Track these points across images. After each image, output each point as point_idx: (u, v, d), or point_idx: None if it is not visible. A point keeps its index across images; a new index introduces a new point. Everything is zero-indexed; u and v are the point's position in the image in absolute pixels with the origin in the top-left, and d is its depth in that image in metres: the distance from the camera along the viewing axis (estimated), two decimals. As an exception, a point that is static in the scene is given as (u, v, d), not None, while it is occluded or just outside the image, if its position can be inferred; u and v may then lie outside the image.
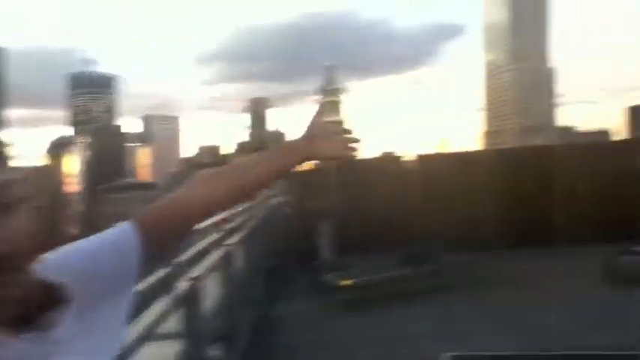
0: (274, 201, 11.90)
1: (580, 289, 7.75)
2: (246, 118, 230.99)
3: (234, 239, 6.32)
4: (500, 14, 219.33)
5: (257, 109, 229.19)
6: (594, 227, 10.42)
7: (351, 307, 7.41)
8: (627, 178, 11.20)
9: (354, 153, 1.34)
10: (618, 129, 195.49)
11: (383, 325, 6.84)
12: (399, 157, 13.43)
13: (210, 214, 1.31)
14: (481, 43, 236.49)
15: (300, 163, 1.30)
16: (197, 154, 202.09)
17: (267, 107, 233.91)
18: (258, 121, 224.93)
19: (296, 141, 1.30)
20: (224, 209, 1.34)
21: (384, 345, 6.29)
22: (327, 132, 1.29)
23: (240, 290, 6.02)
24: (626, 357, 5.36)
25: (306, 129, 1.30)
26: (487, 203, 11.64)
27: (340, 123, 1.34)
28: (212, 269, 4.92)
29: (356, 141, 1.33)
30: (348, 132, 1.33)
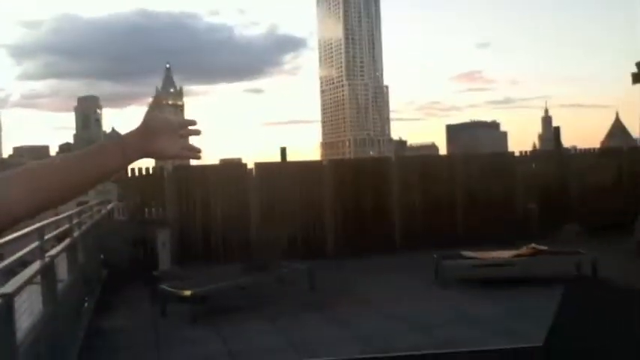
0: (108, 207, 11.03)
1: (412, 294, 8.23)
2: (74, 118, 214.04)
3: (57, 248, 5.65)
4: (333, 32, 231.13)
5: (86, 108, 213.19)
6: (426, 235, 11.26)
7: (192, 319, 7.04)
8: (450, 189, 12.31)
9: (198, 152, 1.16)
10: (441, 144, 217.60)
11: (226, 336, 6.59)
12: (239, 165, 13.26)
13: (12, 222, 1.03)
14: (317, 58, 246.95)
15: (134, 160, 1.10)
16: (12, 156, 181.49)
17: (98, 107, 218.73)
18: (85, 121, 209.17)
19: (130, 136, 1.08)
20: (32, 215, 1.04)
21: (228, 358, 6.04)
22: (166, 127, 1.10)
23: (64, 306, 5.37)
24: (443, 355, 5.74)
25: (141, 122, 1.09)
26: (326, 212, 11.96)
27: (181, 119, 1.15)
28: (28, 283, 4.31)
29: (197, 133, 1.15)
30: (192, 124, 1.14)
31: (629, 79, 8.94)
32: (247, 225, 11.52)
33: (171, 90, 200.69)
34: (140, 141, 1.08)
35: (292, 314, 7.34)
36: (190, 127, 1.15)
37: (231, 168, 13.11)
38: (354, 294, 8.36)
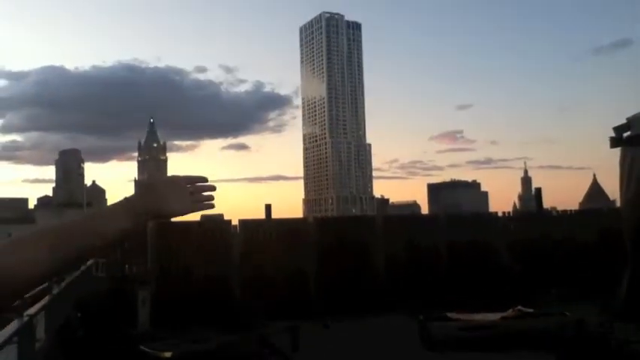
0: (87, 262, 10.75)
1: (397, 357, 8.05)
2: (54, 171, 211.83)
3: (35, 307, 5.47)
4: (317, 91, 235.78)
5: (67, 161, 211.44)
6: (410, 296, 11.12)
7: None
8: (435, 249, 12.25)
9: (211, 202, 1.16)
10: (423, 202, 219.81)
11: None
12: (222, 222, 13.16)
13: (30, 287, 1.02)
14: (301, 115, 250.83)
15: (145, 221, 1.10)
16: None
17: (80, 160, 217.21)
18: (66, 174, 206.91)
19: (136, 198, 1.09)
20: (49, 278, 1.03)
21: None
22: (172, 187, 1.11)
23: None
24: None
25: (143, 185, 1.11)
26: (308, 271, 11.81)
27: (189, 175, 1.16)
28: (7, 343, 4.14)
29: (212, 189, 1.16)
30: (201, 180, 1.15)
31: (607, 142, 9.13)
32: (230, 282, 11.32)
33: (155, 145, 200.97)
34: (145, 203, 1.08)
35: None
36: (203, 184, 1.15)
37: (215, 224, 12.98)
38: (338, 356, 8.16)
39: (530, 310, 8.76)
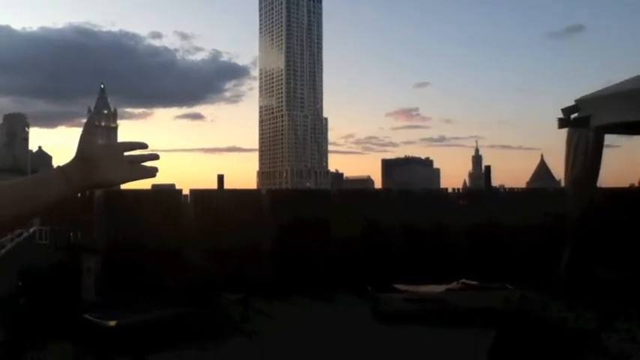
0: (30, 229, 10.41)
1: (349, 331, 8.17)
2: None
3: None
4: (275, 62, 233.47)
5: (12, 126, 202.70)
6: (364, 273, 11.24)
7: (119, 352, 6.68)
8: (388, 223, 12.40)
9: (153, 171, 1.11)
10: (377, 177, 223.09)
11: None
12: (174, 191, 12.95)
13: None
14: (258, 87, 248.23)
15: (81, 189, 1.06)
16: None
17: (25, 125, 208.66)
18: (11, 139, 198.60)
19: (71, 165, 1.04)
20: None
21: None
22: (108, 154, 1.06)
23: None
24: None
25: (76, 152, 1.05)
26: (262, 243, 11.77)
27: (127, 142, 1.11)
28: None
29: (154, 158, 1.11)
30: (141, 147, 1.10)
31: (555, 123, 9.41)
32: (181, 253, 11.18)
33: (105, 111, 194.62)
34: (80, 170, 1.03)
35: (225, 348, 7.11)
36: (145, 152, 1.11)
37: (166, 194, 12.73)
38: (287, 327, 8.22)
39: (475, 283, 9.03)
